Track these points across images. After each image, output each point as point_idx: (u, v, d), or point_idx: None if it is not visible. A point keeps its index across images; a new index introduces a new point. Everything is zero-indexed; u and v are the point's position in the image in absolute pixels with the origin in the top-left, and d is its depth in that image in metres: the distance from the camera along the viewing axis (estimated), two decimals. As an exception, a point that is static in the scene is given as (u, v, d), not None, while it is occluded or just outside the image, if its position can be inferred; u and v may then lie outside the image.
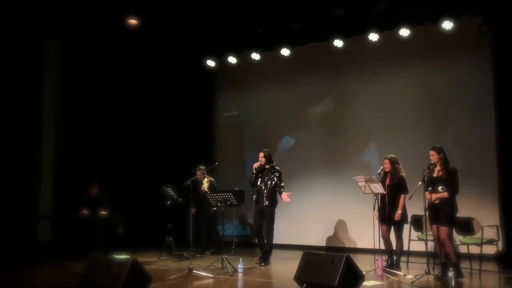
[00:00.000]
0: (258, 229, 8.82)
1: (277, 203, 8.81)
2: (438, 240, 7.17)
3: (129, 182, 11.27)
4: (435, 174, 7.21)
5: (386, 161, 7.94)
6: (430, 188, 7.15)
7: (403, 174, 7.89)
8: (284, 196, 8.62)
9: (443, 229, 7.04)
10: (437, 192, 7.08)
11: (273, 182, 8.67)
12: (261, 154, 8.78)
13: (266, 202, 8.62)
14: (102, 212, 9.71)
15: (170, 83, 12.31)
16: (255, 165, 8.74)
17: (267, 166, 8.79)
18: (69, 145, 10.85)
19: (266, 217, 8.67)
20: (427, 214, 7.23)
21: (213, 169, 10.33)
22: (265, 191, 8.64)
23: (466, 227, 7.67)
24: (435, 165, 7.22)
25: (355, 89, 10.95)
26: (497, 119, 8.94)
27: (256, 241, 9.01)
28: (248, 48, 11.20)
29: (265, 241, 8.76)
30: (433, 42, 9.82)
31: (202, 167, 10.08)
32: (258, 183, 8.73)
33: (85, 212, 9.71)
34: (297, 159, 11.48)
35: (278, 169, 8.81)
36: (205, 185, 10.10)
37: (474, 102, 9.57)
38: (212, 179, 10.34)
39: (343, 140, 11.04)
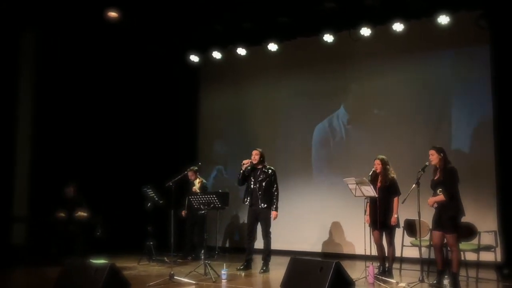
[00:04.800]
0: (250, 233, 8.50)
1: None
2: (437, 246, 6.87)
3: (107, 183, 11.07)
4: (436, 177, 6.89)
5: (377, 161, 7.72)
6: (434, 192, 6.85)
7: (394, 175, 7.65)
8: (274, 214, 8.39)
9: (449, 237, 6.71)
10: (436, 195, 6.78)
11: (268, 183, 8.36)
12: (255, 152, 8.49)
13: (262, 205, 8.34)
14: (81, 213, 9.56)
15: (152, 79, 12.08)
16: (245, 161, 8.43)
17: (259, 166, 8.47)
18: (45, 143, 10.64)
19: (261, 220, 8.39)
20: (421, 219, 7.03)
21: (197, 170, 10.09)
22: (259, 192, 8.32)
23: (463, 232, 7.38)
24: (435, 167, 6.89)
25: (345, 86, 10.79)
26: (496, 118, 8.78)
27: (246, 245, 8.69)
28: (234, 43, 11.02)
29: (263, 245, 8.43)
30: (429, 37, 9.66)
31: (194, 167, 9.86)
32: (252, 185, 8.41)
33: (62, 214, 9.57)
34: (286, 160, 11.17)
35: (272, 169, 8.53)
36: (197, 186, 9.90)
37: (471, 100, 9.43)
38: (204, 180, 10.18)
39: (334, 140, 10.80)
